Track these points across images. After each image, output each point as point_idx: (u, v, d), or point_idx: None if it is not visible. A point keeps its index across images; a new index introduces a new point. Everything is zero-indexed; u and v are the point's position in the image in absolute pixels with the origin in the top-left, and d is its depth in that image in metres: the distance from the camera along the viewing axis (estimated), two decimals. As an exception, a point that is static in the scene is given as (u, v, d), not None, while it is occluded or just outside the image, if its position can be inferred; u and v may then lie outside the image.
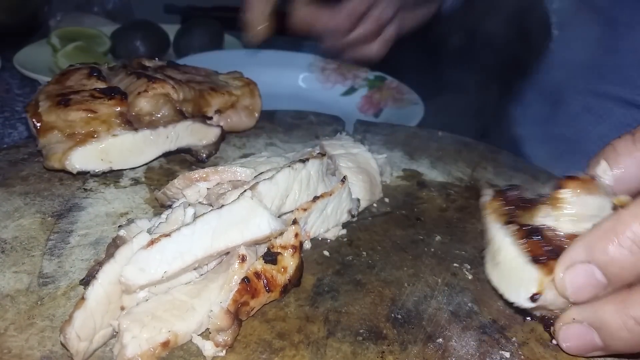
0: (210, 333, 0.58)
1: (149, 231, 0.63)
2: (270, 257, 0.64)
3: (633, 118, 1.30)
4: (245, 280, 0.61)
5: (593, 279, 0.54)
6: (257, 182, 0.68)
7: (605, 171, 0.63)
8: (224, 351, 0.58)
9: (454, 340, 0.63)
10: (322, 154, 0.78)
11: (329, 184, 0.77)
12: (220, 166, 0.78)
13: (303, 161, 0.73)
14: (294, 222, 0.68)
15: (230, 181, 0.77)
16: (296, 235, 0.67)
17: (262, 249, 0.66)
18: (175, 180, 0.77)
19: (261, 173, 0.74)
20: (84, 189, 0.83)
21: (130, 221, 0.68)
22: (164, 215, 0.68)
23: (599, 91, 1.34)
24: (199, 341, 0.58)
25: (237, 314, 0.59)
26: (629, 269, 0.52)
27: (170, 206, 0.77)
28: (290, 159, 0.79)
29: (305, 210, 0.72)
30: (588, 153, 1.40)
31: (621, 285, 0.53)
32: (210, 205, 0.72)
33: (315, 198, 0.73)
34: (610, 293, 0.54)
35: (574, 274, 0.54)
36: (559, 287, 0.56)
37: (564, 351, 0.60)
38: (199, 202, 0.74)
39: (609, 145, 0.65)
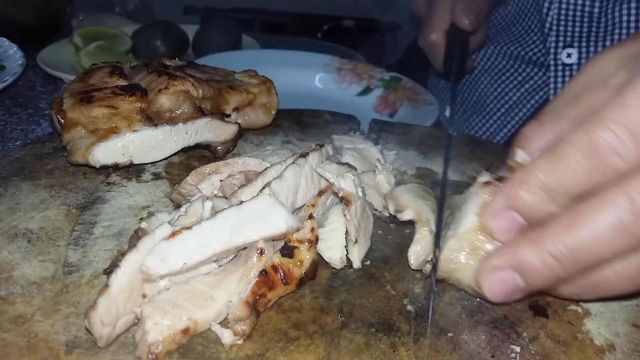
0: (229, 322, 0.60)
1: (170, 223, 0.65)
2: (287, 251, 0.66)
3: (526, 74, 1.46)
4: (263, 273, 0.63)
5: (514, 222, 0.62)
6: (270, 181, 0.70)
7: (523, 157, 0.69)
8: (242, 339, 0.60)
9: (465, 334, 0.64)
10: (321, 145, 0.81)
11: None
12: (230, 159, 0.81)
13: (304, 155, 0.76)
14: (310, 216, 0.70)
15: (241, 172, 0.79)
16: (312, 229, 0.68)
17: (280, 243, 0.68)
18: (189, 177, 0.79)
19: (271, 165, 0.76)
20: (107, 182, 0.86)
21: (150, 214, 0.70)
22: (183, 209, 0.71)
23: (493, 52, 1.50)
24: (217, 329, 0.60)
25: (255, 305, 0.61)
26: (538, 209, 0.59)
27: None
28: (294, 151, 0.82)
29: (313, 205, 0.74)
30: (489, 112, 1.54)
31: (536, 222, 0.61)
32: (225, 197, 0.75)
33: (320, 193, 0.75)
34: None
35: (498, 219, 0.63)
36: (488, 232, 0.64)
37: (489, 302, 0.66)
38: (215, 195, 0.77)
39: (520, 134, 0.72)
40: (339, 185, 0.74)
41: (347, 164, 0.80)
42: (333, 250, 0.72)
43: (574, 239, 0.56)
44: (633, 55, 0.62)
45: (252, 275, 0.63)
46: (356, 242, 0.72)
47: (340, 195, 0.74)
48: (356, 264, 0.72)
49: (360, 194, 0.76)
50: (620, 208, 0.54)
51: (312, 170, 0.76)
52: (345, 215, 0.73)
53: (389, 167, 0.88)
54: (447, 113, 0.81)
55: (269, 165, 0.77)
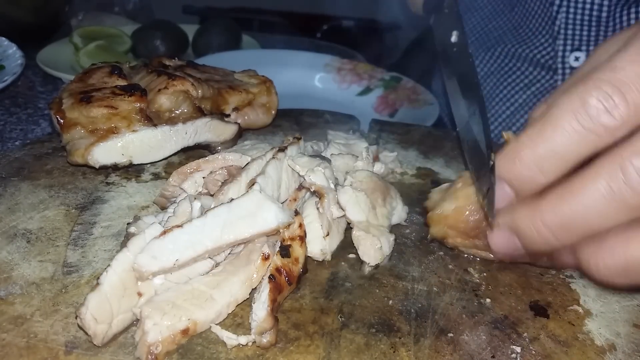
0: (255, 337, 0.60)
1: (159, 224, 0.66)
2: (285, 251, 0.66)
3: (533, 77, 1.42)
4: (272, 278, 0.63)
5: (503, 192, 0.61)
6: (255, 177, 0.71)
7: None
8: (245, 341, 0.59)
9: (465, 335, 0.64)
10: (298, 138, 0.82)
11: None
12: (209, 155, 0.81)
13: (283, 150, 0.77)
14: (296, 212, 0.70)
15: (223, 167, 0.80)
16: (300, 225, 0.69)
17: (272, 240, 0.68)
18: (170, 179, 0.79)
19: (252, 160, 0.77)
20: (107, 182, 0.86)
21: (137, 218, 0.71)
22: (171, 209, 0.71)
23: (500, 53, 1.47)
24: (217, 330, 0.60)
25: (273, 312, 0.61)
26: (532, 182, 0.59)
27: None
28: (272, 145, 0.83)
29: (295, 199, 0.75)
30: (494, 114, 1.53)
31: (528, 194, 0.60)
32: (210, 194, 0.75)
33: (301, 187, 0.76)
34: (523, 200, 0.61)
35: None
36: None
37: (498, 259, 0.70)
38: (200, 193, 0.77)
39: (529, 116, 0.72)
40: (309, 179, 0.75)
41: (319, 156, 0.81)
42: (312, 244, 0.72)
43: (566, 209, 0.56)
44: (633, 33, 0.62)
45: (254, 278, 0.64)
46: (328, 235, 0.72)
47: (312, 190, 0.75)
48: (328, 256, 0.73)
49: (332, 186, 0.76)
50: (611, 177, 0.53)
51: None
52: (318, 209, 0.74)
53: (370, 158, 0.88)
54: (454, 38, 0.80)
55: (249, 159, 0.78)
